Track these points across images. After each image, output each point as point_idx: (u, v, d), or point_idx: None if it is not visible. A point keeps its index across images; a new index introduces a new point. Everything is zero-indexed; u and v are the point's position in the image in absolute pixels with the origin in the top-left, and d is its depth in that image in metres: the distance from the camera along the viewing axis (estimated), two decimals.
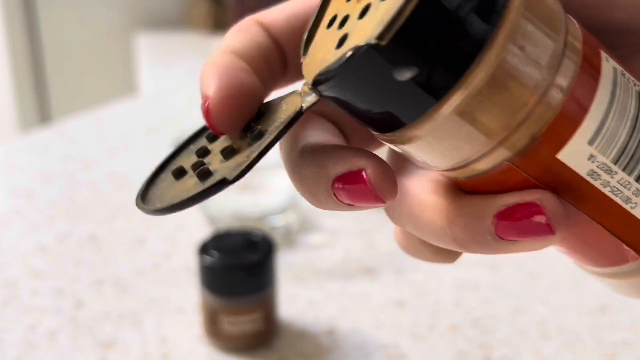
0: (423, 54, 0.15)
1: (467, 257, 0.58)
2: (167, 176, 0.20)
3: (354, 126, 0.21)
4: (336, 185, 0.18)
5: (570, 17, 0.17)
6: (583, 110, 0.16)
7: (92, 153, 0.78)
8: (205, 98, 0.19)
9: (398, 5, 0.15)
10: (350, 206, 0.18)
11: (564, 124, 0.16)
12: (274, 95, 0.20)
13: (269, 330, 0.44)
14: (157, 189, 0.20)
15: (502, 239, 0.17)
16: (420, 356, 0.43)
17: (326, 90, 0.17)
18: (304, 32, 0.19)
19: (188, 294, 0.49)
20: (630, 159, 0.17)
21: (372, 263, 0.54)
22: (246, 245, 0.44)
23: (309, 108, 0.18)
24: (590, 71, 0.16)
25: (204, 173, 0.18)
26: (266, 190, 0.56)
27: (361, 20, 0.16)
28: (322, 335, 0.45)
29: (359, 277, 0.52)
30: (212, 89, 0.19)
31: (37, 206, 0.64)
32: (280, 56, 0.21)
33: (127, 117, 0.92)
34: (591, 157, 0.17)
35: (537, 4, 0.16)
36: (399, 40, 0.15)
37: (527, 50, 0.15)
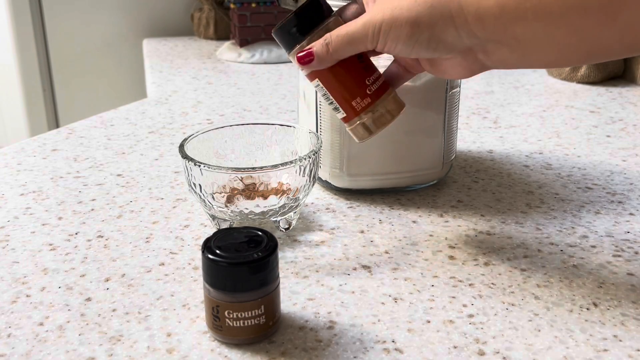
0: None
1: (463, 257, 0.59)
2: None
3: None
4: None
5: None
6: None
7: (100, 153, 0.79)
8: None
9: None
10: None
11: None
12: None
13: (271, 325, 0.44)
14: None
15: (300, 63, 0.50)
16: (416, 350, 0.44)
17: None
18: None
19: (192, 291, 0.51)
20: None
21: (369, 261, 0.55)
22: (249, 243, 0.44)
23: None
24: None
25: None
26: (268, 190, 0.57)
27: None
28: (321, 330, 0.46)
29: (358, 274, 0.53)
30: None
31: (46, 205, 0.66)
32: None
33: (133, 119, 0.93)
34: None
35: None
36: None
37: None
